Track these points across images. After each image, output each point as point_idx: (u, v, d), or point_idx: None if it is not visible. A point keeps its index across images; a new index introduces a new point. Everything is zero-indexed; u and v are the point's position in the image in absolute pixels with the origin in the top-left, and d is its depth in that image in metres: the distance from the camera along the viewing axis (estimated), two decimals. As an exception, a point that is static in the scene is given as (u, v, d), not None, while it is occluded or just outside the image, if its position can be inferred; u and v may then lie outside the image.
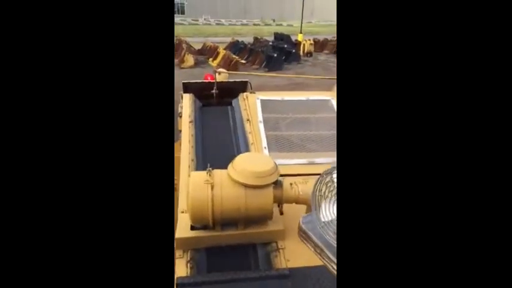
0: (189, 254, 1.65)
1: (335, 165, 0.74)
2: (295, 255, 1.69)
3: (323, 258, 0.81)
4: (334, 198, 0.72)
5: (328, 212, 0.73)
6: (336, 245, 0.75)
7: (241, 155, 1.77)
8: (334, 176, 0.72)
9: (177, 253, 1.63)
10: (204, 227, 1.70)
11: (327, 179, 0.74)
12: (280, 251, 1.74)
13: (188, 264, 1.58)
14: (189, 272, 1.53)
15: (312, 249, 0.85)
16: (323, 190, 0.75)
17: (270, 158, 1.81)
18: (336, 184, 0.71)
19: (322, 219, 0.75)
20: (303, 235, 0.88)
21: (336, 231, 0.74)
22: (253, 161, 1.71)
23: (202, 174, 1.64)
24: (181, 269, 1.54)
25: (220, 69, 3.40)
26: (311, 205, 0.81)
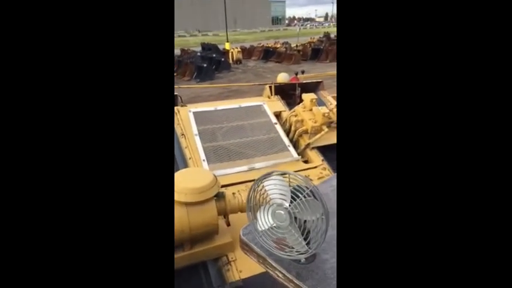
0: None
1: (267, 171, 0.74)
2: (247, 264, 1.67)
3: (267, 267, 0.80)
4: (269, 205, 0.72)
5: (265, 220, 0.72)
6: (277, 253, 0.75)
7: (177, 172, 1.70)
8: (266, 182, 0.72)
9: None
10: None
11: (259, 187, 0.73)
12: (232, 263, 1.71)
13: None
14: None
15: (255, 259, 0.84)
16: (257, 199, 0.75)
17: (208, 171, 1.77)
18: (268, 191, 0.70)
19: (260, 229, 0.74)
20: (245, 247, 0.86)
21: (274, 239, 0.74)
22: (191, 177, 1.65)
23: (138, 199, 1.52)
24: None
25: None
26: (247, 215, 0.80)
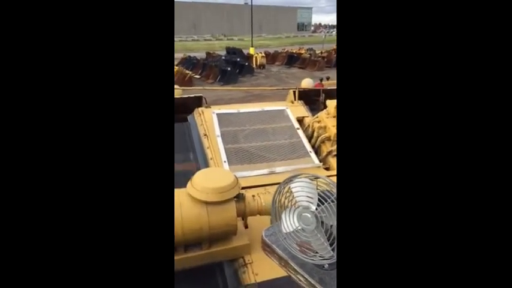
0: None
1: (294, 174, 0.74)
2: (263, 268, 1.66)
3: (289, 271, 0.79)
4: (294, 207, 0.71)
5: (290, 222, 0.71)
6: (300, 256, 0.74)
7: (199, 171, 1.72)
8: (293, 185, 0.71)
9: None
10: (166, 251, 1.60)
11: (286, 189, 0.73)
12: (248, 265, 1.70)
13: None
14: None
15: (277, 262, 0.83)
16: (282, 200, 0.74)
17: (230, 172, 1.78)
18: (295, 193, 0.70)
19: (284, 231, 0.73)
20: (267, 249, 0.85)
21: (298, 242, 0.73)
22: (213, 177, 1.66)
23: (160, 196, 1.55)
24: None
25: (173, 85, 3.31)
26: (271, 217, 0.79)
